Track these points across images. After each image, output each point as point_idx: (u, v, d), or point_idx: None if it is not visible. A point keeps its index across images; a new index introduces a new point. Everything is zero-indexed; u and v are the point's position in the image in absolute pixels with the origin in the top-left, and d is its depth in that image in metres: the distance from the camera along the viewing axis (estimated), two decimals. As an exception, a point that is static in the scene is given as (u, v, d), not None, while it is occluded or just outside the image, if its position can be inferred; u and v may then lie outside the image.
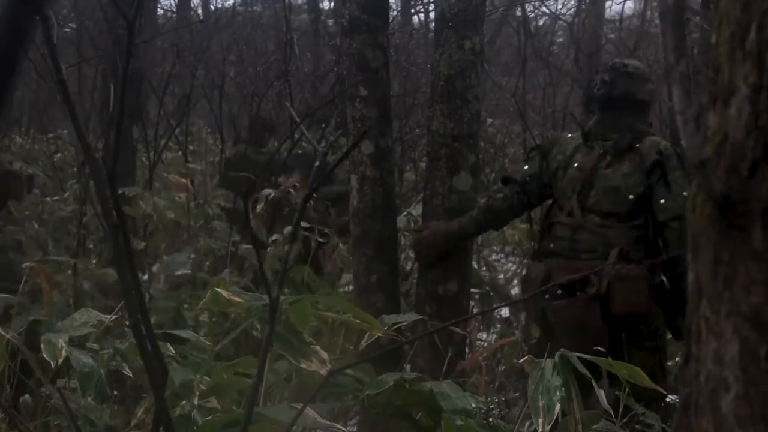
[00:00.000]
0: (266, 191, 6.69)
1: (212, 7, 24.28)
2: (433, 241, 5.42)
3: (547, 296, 4.93)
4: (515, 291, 8.06)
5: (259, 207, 6.61)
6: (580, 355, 3.52)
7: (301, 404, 2.86)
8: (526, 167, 5.34)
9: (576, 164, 5.11)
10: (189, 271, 6.50)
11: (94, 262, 6.21)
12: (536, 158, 5.31)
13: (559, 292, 4.92)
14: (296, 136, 8.75)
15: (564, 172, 5.15)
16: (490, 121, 16.29)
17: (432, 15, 20.36)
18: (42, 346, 3.71)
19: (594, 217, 4.99)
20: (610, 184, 4.96)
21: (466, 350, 5.70)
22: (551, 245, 5.11)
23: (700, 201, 0.95)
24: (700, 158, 0.92)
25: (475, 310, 6.51)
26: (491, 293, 7.04)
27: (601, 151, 5.05)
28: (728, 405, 0.91)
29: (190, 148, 15.58)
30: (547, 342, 4.41)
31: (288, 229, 6.77)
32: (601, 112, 5.14)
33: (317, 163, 1.63)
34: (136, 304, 1.34)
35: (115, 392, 4.17)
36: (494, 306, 6.72)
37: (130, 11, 1.57)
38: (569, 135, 5.37)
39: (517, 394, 5.22)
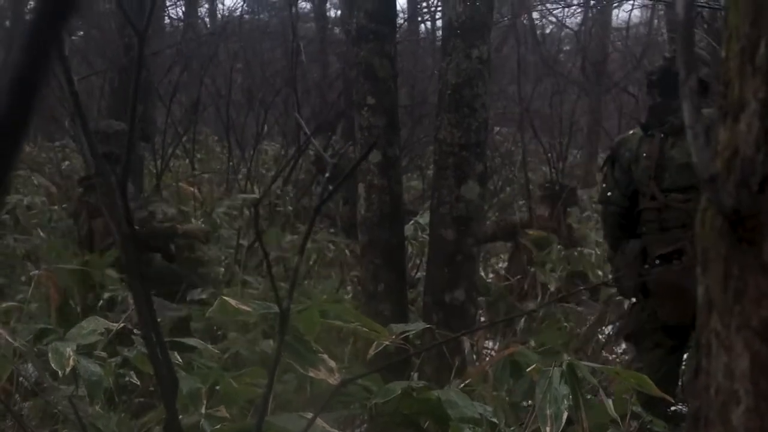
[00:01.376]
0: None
1: (219, 15, 24.27)
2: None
3: (646, 266, 5.23)
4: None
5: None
6: (588, 363, 3.52)
7: (309, 413, 2.87)
8: (604, 185, 5.64)
9: (644, 154, 5.35)
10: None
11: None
12: (608, 170, 5.58)
13: (657, 262, 5.21)
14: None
15: (636, 164, 5.36)
16: (497, 129, 16.28)
17: (439, 23, 20.36)
18: (50, 354, 3.71)
19: (675, 195, 5.23)
20: (680, 162, 5.17)
21: (474, 358, 5.70)
22: (643, 229, 5.34)
23: (710, 215, 0.95)
24: (710, 173, 0.93)
25: (481, 319, 6.51)
26: (498, 302, 7.03)
27: (662, 136, 5.29)
28: (739, 418, 0.92)
29: (198, 156, 15.59)
30: (642, 312, 5.27)
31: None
32: (661, 97, 5.38)
33: (327, 174, 1.64)
34: (147, 313, 1.34)
35: (123, 399, 4.18)
36: (504, 317, 6.72)
37: (138, 20, 1.57)
38: (631, 132, 5.60)
39: (525, 403, 5.21)
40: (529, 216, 9.20)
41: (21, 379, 4.04)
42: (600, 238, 8.70)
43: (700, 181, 0.95)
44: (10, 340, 3.84)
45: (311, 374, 3.34)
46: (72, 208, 7.62)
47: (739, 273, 0.91)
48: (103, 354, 4.03)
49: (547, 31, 22.74)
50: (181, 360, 3.86)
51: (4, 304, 4.49)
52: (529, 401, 3.99)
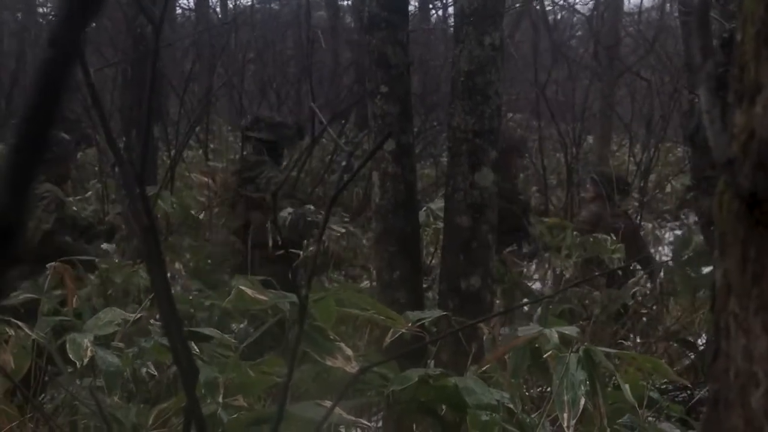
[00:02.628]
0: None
1: (230, 5, 24.27)
2: None
3: None
4: (536, 286, 8.05)
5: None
6: (605, 349, 3.53)
7: (327, 401, 2.88)
8: None
9: None
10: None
11: (116, 261, 6.21)
12: None
13: None
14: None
15: None
16: (510, 115, 16.27)
17: (450, 10, 20.33)
18: (68, 345, 3.73)
19: None
20: None
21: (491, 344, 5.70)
22: None
23: (727, 199, 0.95)
24: (727, 156, 0.93)
25: (497, 306, 6.50)
26: (513, 288, 7.02)
27: None
28: (758, 400, 0.92)
29: (211, 146, 15.60)
30: None
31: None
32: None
33: (344, 163, 1.65)
34: (167, 304, 1.35)
35: (141, 389, 4.20)
36: (519, 303, 6.71)
37: (150, 10, 1.58)
38: None
39: (540, 389, 5.22)
40: (545, 203, 9.19)
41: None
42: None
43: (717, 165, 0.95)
44: (28, 332, 3.86)
45: (328, 362, 3.35)
46: (230, 199, 7.71)
47: (757, 256, 0.92)
48: (121, 345, 4.04)
49: (559, 16, 22.69)
50: (197, 350, 3.88)
51: (21, 296, 4.51)
52: (546, 387, 4.00)
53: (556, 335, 3.60)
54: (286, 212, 6.94)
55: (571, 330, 3.69)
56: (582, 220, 8.63)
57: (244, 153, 7.96)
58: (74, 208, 7.02)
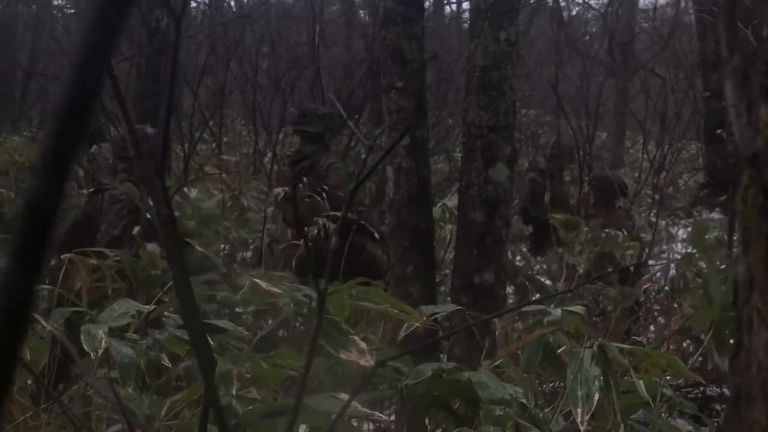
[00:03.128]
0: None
1: (245, -1, 24.26)
2: None
3: None
4: (548, 282, 8.06)
5: None
6: (619, 345, 3.53)
7: (341, 394, 2.88)
8: None
9: None
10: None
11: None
12: None
13: None
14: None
15: None
16: (523, 111, 16.27)
17: (465, 5, 20.32)
18: (82, 337, 3.73)
19: None
20: None
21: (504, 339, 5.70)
22: None
23: (752, 193, 0.95)
24: (752, 150, 0.93)
25: (510, 301, 6.51)
26: (527, 283, 7.02)
27: None
28: (780, 395, 0.92)
29: (224, 139, 15.63)
30: None
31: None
32: None
33: (363, 156, 1.65)
34: (187, 294, 1.35)
35: (155, 381, 4.20)
36: (532, 299, 6.71)
37: (170, 4, 1.59)
38: None
39: (553, 385, 5.22)
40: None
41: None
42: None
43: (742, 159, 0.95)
44: (44, 324, 3.87)
45: (342, 356, 3.35)
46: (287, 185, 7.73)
47: (781, 251, 0.92)
48: (135, 336, 4.05)
49: (573, 12, 22.67)
50: (212, 342, 3.88)
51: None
52: (559, 383, 4.00)
53: (560, 312, 3.61)
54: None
55: (577, 308, 3.69)
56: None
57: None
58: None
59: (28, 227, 0.58)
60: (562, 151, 10.41)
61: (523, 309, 4.97)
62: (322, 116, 7.77)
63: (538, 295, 6.89)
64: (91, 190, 7.24)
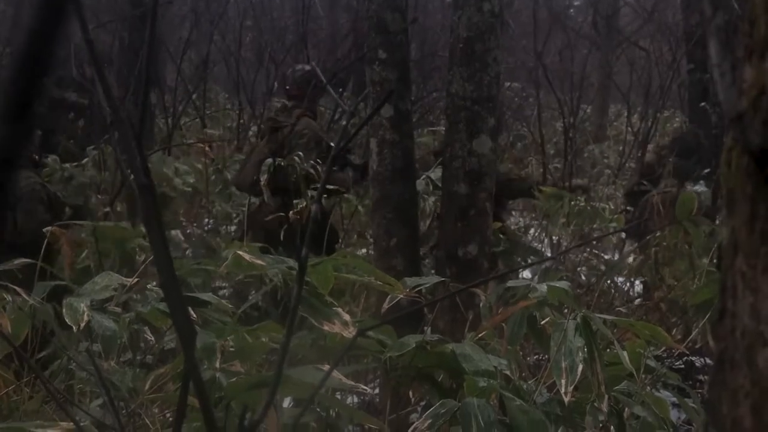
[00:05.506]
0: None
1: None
2: None
3: None
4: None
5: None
6: (603, 316, 3.53)
7: (325, 366, 2.87)
8: None
9: None
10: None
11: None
12: None
13: None
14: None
15: None
16: (507, 84, 16.25)
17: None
18: (64, 310, 3.71)
19: None
20: None
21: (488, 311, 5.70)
22: None
23: (736, 155, 0.94)
24: (737, 111, 0.92)
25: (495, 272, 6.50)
26: (513, 254, 7.02)
27: None
28: (765, 360, 0.91)
29: (208, 113, 15.58)
30: None
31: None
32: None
33: (343, 123, 1.63)
34: (165, 263, 1.34)
35: (138, 355, 4.19)
36: (515, 267, 6.71)
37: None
38: None
39: (537, 357, 5.22)
40: (543, 172, 9.19)
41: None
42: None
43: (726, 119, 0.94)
44: (25, 297, 3.84)
45: (326, 328, 3.34)
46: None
47: (766, 213, 0.90)
48: (117, 309, 4.03)
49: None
50: (195, 315, 3.87)
51: (17, 261, 4.48)
52: (544, 355, 4.00)
53: (545, 287, 3.61)
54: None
55: (562, 284, 3.68)
56: None
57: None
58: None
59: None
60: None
61: (509, 283, 4.97)
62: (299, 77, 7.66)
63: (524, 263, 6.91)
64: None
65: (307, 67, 7.71)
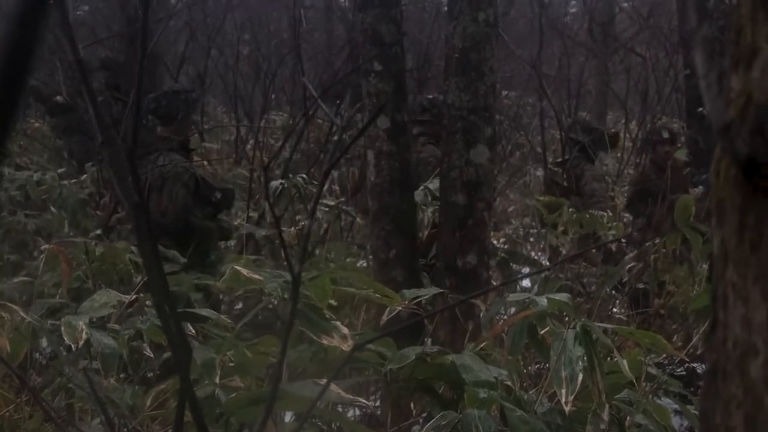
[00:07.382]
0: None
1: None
2: None
3: None
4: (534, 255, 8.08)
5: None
6: (603, 325, 3.52)
7: (323, 380, 2.86)
8: None
9: None
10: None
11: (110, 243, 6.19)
12: None
13: None
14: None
15: None
16: (505, 93, 16.25)
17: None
18: (62, 328, 3.71)
19: None
20: None
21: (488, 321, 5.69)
22: None
23: (724, 165, 0.94)
24: (724, 121, 0.91)
25: (494, 282, 6.49)
26: (511, 263, 7.01)
27: None
28: (757, 370, 0.91)
29: (206, 127, 15.58)
30: None
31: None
32: None
33: (335, 137, 1.63)
34: (159, 282, 1.33)
35: (137, 371, 4.18)
36: (514, 278, 6.70)
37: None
38: None
39: (538, 366, 5.21)
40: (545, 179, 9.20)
41: (36, 354, 4.04)
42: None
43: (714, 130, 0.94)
44: (24, 315, 3.83)
45: (324, 341, 3.33)
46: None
47: (755, 223, 0.90)
48: (116, 326, 4.03)
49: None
50: (194, 331, 3.87)
51: (16, 279, 4.48)
52: (544, 364, 3.99)
53: (546, 301, 3.60)
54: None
55: (562, 297, 3.67)
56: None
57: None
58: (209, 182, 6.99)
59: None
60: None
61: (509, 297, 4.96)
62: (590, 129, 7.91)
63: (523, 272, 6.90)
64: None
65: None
